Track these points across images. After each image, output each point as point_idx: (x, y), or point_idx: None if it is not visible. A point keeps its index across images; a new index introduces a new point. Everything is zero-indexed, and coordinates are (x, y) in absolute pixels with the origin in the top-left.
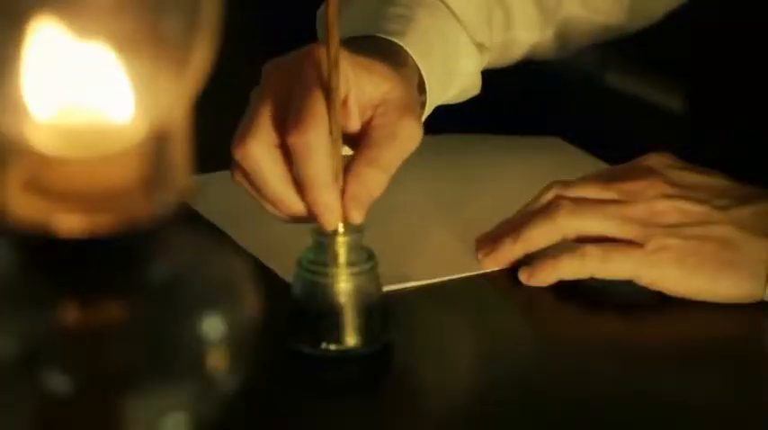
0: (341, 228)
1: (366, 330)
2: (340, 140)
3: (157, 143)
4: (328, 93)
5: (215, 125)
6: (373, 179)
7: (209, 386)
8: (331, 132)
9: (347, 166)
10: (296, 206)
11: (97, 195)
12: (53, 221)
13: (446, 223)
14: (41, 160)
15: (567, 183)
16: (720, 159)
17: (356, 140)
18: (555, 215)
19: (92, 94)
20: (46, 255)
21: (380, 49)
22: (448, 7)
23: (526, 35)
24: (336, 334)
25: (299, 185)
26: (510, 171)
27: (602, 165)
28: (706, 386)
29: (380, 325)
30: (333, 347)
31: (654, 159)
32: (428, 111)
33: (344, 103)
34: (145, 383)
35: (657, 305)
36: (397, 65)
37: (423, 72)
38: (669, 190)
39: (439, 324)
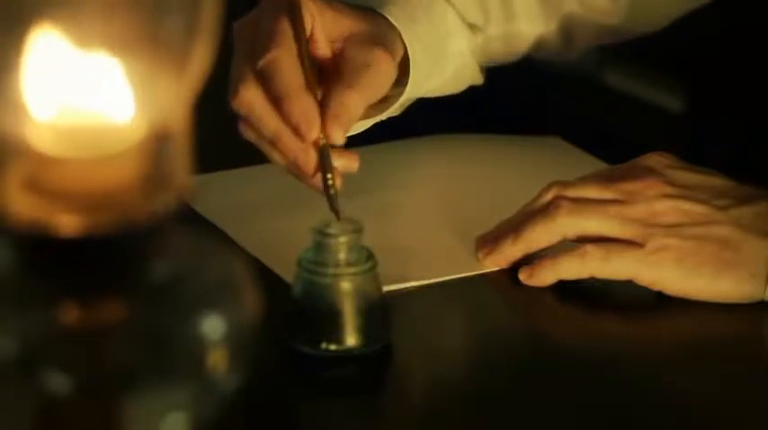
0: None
1: (366, 330)
2: (308, 58)
3: (157, 143)
4: (292, 13)
5: (215, 125)
6: (351, 99)
7: (209, 386)
8: (300, 49)
9: (326, 93)
10: (294, 141)
11: (97, 195)
12: (53, 221)
13: (446, 223)
14: (41, 160)
15: (566, 183)
16: (720, 159)
17: (330, 74)
18: (555, 215)
19: (92, 95)
20: (46, 255)
21: (361, 9)
22: None
23: (529, 28)
24: (336, 334)
25: (276, 106)
26: (510, 171)
27: (602, 165)
28: (706, 386)
29: (380, 325)
30: (333, 347)
31: (654, 159)
32: (415, 90)
33: (312, 35)
34: (145, 383)
35: (657, 305)
36: (372, 16)
37: (405, 40)
38: (669, 190)
39: (439, 324)
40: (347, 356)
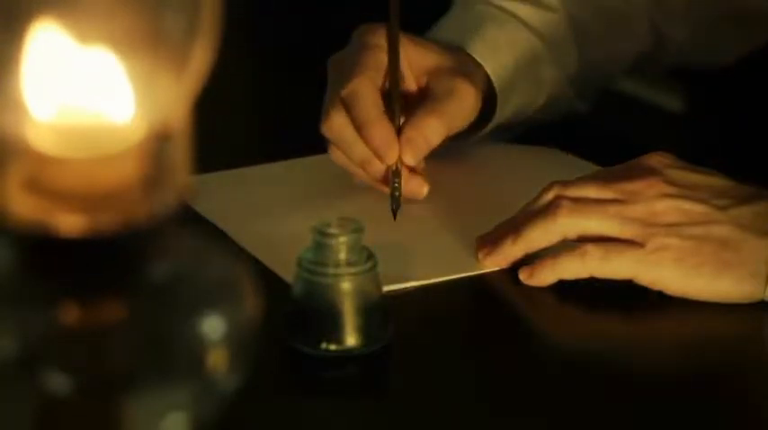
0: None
1: (366, 330)
2: (398, 88)
3: (157, 143)
4: (389, 41)
5: (215, 125)
6: (429, 125)
7: (209, 386)
8: (391, 80)
9: (408, 118)
10: (380, 165)
11: (97, 195)
12: (53, 221)
13: (446, 223)
14: (41, 160)
15: (566, 183)
16: (720, 159)
17: (415, 105)
18: (555, 215)
19: (92, 95)
20: (46, 255)
21: (445, 45)
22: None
23: (628, 45)
24: (336, 334)
25: (359, 132)
26: (510, 172)
27: None
28: (706, 386)
29: (380, 325)
30: (333, 347)
31: (654, 159)
32: (503, 116)
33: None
34: (145, 383)
35: (657, 305)
36: (456, 51)
37: (489, 71)
38: (669, 189)
39: (439, 324)
40: (347, 356)
